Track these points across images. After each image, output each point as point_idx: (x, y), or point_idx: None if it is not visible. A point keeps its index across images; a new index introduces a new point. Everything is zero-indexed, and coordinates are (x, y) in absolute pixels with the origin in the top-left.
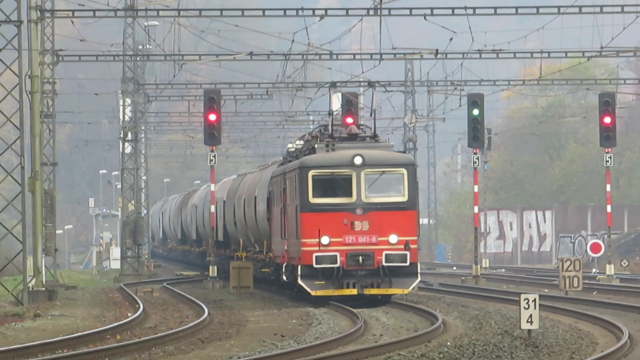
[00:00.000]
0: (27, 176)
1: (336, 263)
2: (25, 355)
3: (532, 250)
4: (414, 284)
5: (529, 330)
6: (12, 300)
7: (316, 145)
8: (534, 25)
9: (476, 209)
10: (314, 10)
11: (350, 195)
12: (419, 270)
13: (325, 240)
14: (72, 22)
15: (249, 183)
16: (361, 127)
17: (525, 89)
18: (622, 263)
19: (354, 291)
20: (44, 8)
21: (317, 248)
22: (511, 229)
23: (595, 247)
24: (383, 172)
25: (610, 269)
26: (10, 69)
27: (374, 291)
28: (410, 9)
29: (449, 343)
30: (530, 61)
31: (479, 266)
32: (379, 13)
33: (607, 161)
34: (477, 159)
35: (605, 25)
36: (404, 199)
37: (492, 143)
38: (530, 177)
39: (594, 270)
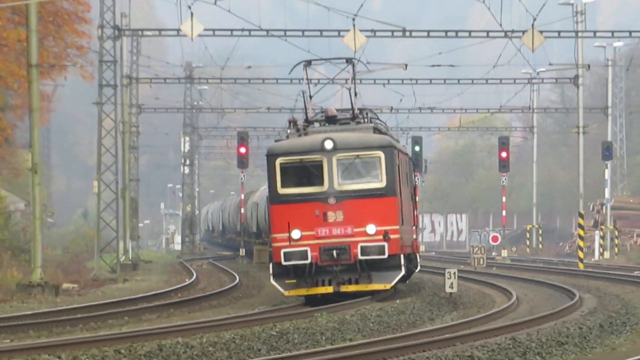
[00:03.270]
0: (119, 188)
1: (307, 259)
2: (119, 305)
3: (453, 240)
4: (397, 278)
5: (451, 293)
6: (110, 270)
7: (289, 131)
8: (456, 90)
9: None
10: (309, 79)
11: (321, 183)
12: (402, 263)
13: (296, 234)
14: (150, 86)
15: None
16: (365, 111)
17: (450, 134)
18: (512, 249)
19: (330, 289)
20: (132, 76)
21: (287, 243)
22: (439, 226)
23: (495, 238)
24: (357, 156)
25: (504, 253)
26: (109, 117)
27: (352, 288)
28: (374, 80)
29: (397, 302)
30: (453, 115)
31: None
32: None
33: (503, 182)
34: (417, 179)
35: (503, 92)
36: (382, 184)
37: (427, 169)
38: (452, 192)
39: (493, 253)
